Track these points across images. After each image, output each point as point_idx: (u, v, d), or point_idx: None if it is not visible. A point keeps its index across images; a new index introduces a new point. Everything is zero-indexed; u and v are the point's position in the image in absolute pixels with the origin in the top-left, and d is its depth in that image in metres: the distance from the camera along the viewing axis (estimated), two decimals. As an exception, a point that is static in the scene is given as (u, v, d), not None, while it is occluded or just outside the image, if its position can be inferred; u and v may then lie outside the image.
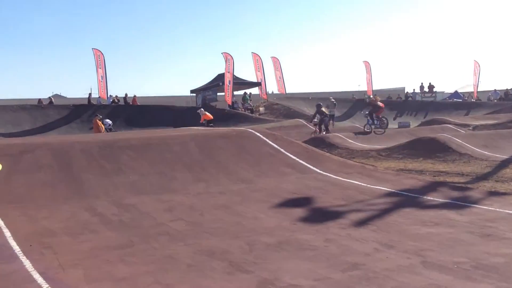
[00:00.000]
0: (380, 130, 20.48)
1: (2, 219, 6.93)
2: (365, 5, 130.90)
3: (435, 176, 10.36)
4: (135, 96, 38.79)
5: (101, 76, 37.41)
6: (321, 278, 4.66)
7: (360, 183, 9.51)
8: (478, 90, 47.20)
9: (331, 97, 30.63)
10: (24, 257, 5.42)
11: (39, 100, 35.93)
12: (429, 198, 8.26)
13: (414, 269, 4.78)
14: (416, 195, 8.43)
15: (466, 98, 47.10)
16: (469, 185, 9.18)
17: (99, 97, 37.26)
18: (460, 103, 44.18)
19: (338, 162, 11.86)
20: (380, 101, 22.73)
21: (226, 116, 32.22)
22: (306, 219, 7.05)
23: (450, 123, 25.08)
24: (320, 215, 7.26)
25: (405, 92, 49.03)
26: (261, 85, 40.94)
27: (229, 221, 6.96)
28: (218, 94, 38.93)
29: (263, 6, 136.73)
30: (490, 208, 7.37)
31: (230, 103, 36.70)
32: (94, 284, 4.65)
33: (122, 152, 10.40)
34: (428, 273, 4.65)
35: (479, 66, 46.69)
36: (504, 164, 11.55)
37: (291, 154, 11.69)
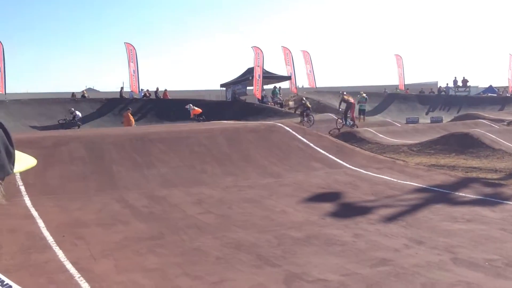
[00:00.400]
0: (354, 126, 21.84)
1: (36, 210, 7.12)
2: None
3: (467, 172, 10.17)
4: (166, 90, 39.17)
5: (133, 70, 37.90)
6: (349, 273, 4.64)
7: (390, 179, 9.41)
8: (514, 84, 46.04)
9: (362, 92, 30.32)
10: (57, 247, 5.55)
11: (73, 94, 36.66)
12: (461, 194, 8.12)
13: (444, 266, 4.71)
14: (447, 191, 8.29)
15: (501, 93, 46.02)
16: (502, 182, 8.98)
17: (131, 91, 37.77)
18: (494, 98, 43.24)
19: (368, 157, 11.74)
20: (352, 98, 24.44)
21: (256, 110, 32.29)
22: (334, 214, 7.02)
23: (484, 118, 24.54)
24: (349, 210, 7.22)
25: (438, 86, 48.16)
26: (291, 79, 40.81)
27: (257, 214, 6.99)
28: (248, 88, 38.96)
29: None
30: (525, 205, 7.20)
31: (260, 97, 36.72)
32: (124, 274, 4.73)
33: (153, 145, 10.53)
34: (458, 270, 4.58)
35: (515, 60, 45.50)
36: (540, 160, 11.25)
37: (320, 148, 11.63)
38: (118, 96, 36.92)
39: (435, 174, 9.80)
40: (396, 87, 44.76)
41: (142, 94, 37.83)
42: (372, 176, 9.72)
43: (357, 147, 13.34)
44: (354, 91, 35.97)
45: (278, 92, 38.97)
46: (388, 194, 8.17)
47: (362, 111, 29.15)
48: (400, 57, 44.39)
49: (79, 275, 4.68)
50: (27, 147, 9.70)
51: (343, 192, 8.39)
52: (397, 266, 4.75)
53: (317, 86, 42.76)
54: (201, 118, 25.58)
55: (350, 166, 10.59)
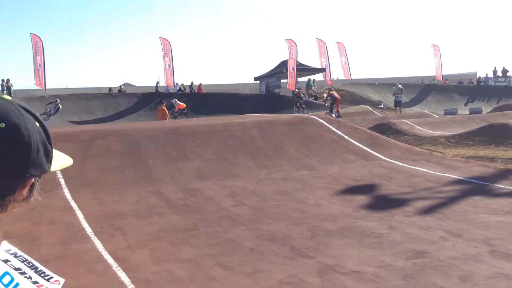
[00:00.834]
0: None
1: (75, 202, 7.30)
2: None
3: (507, 164, 9.89)
4: (200, 84, 39.46)
5: (168, 64, 38.30)
6: (383, 265, 4.59)
7: (427, 171, 9.24)
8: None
9: (398, 83, 29.83)
10: (96, 238, 5.69)
11: (110, 89, 37.35)
12: (500, 186, 7.91)
13: (481, 258, 4.61)
14: (486, 183, 8.09)
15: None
16: (544, 173, 8.71)
17: (166, 85, 38.20)
18: (536, 88, 41.83)
19: (405, 149, 11.56)
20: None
21: (290, 103, 32.15)
22: (369, 206, 6.95)
23: (525, 109, 23.79)
24: (384, 203, 7.13)
25: (477, 77, 46.91)
26: (326, 71, 40.48)
27: (291, 207, 6.98)
28: (282, 81, 38.85)
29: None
30: None
31: (294, 90, 36.56)
32: (159, 265, 4.81)
33: (187, 139, 10.63)
34: (495, 262, 4.48)
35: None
36: None
37: (355, 140, 11.51)
38: (154, 90, 37.39)
39: (473, 165, 9.57)
40: (434, 78, 43.84)
41: (177, 88, 38.19)
42: (408, 168, 9.57)
43: (393, 139, 13.15)
44: (390, 82, 35.51)
45: (312, 84, 38.73)
46: (424, 186, 8.04)
47: (398, 103, 28.70)
48: (437, 47, 43.41)
49: (116, 265, 4.79)
50: (66, 141, 9.95)
51: (378, 185, 8.29)
52: (433, 259, 4.68)
53: (352, 77, 42.29)
54: (185, 111, 27.60)
55: (386, 158, 10.45)
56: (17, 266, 1.12)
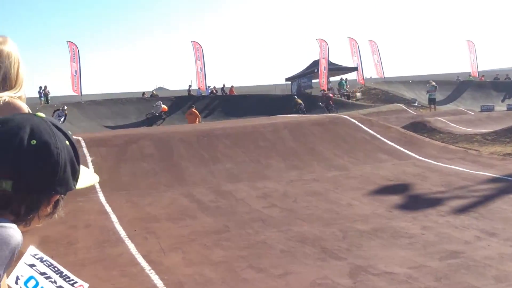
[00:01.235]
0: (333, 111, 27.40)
1: (109, 206, 7.44)
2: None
3: (546, 161, 9.60)
4: (232, 86, 39.65)
5: (200, 68, 38.63)
6: (417, 266, 4.53)
7: (462, 169, 9.06)
8: None
9: (432, 80, 29.33)
10: (129, 241, 5.78)
11: (143, 93, 37.93)
12: (539, 184, 7.69)
13: (518, 258, 4.50)
14: (524, 181, 7.88)
15: None
16: None
17: (198, 88, 38.54)
18: None
19: (439, 147, 11.36)
20: (330, 92, 32.82)
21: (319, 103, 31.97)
22: (402, 206, 6.85)
23: None
24: (417, 202, 7.02)
25: (515, 71, 45.67)
26: (358, 70, 40.12)
27: (322, 208, 6.95)
28: (313, 81, 38.69)
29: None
30: None
31: (326, 90, 36.36)
32: (192, 267, 4.86)
33: (219, 141, 10.71)
34: (533, 263, 4.36)
35: None
36: None
37: (388, 140, 11.37)
38: (186, 94, 37.78)
39: (510, 163, 9.33)
40: (469, 74, 42.89)
41: (209, 91, 38.48)
42: (442, 167, 9.40)
43: (427, 137, 12.93)
44: (424, 80, 34.93)
45: (345, 83, 38.45)
46: (459, 185, 7.88)
47: (432, 100, 28.21)
48: (472, 43, 42.51)
49: (149, 268, 4.87)
50: (100, 146, 10.17)
51: (411, 184, 8.17)
52: (468, 259, 4.59)
53: (385, 76, 41.78)
54: (163, 116, 29.03)
55: (420, 157, 10.29)
56: (42, 271, 1.15)
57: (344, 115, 13.18)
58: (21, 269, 1.11)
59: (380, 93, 35.72)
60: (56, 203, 1.20)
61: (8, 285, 1.09)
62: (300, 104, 30.05)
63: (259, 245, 5.43)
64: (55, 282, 1.15)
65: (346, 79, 39.95)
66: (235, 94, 38.04)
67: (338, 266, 4.68)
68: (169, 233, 6.09)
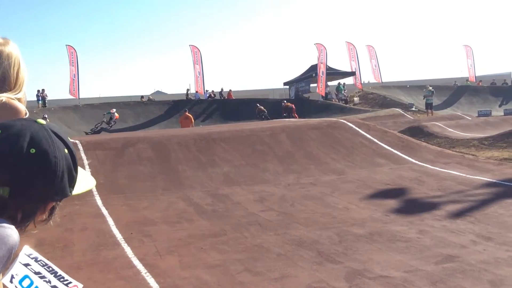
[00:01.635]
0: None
1: (106, 209, 7.44)
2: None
3: (543, 166, 9.63)
4: (230, 90, 39.71)
5: (198, 72, 38.69)
6: (412, 270, 4.54)
7: (458, 173, 9.08)
8: None
9: (429, 85, 29.43)
10: (126, 244, 5.78)
11: (142, 97, 37.97)
12: (535, 189, 7.71)
13: (513, 263, 4.51)
14: (520, 186, 7.90)
15: None
16: None
17: (196, 92, 38.58)
18: None
19: (436, 152, 11.39)
20: (291, 103, 31.66)
21: (319, 108, 32.06)
22: (399, 211, 6.87)
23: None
24: (414, 207, 7.04)
25: (512, 77, 45.83)
26: (356, 75, 40.22)
27: (319, 212, 6.96)
28: (312, 85, 38.78)
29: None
30: None
31: (323, 94, 36.45)
32: (188, 270, 4.86)
33: (216, 145, 10.72)
34: (529, 267, 4.37)
35: None
36: None
37: (385, 144, 11.40)
38: (184, 98, 37.81)
39: (507, 168, 9.36)
40: (466, 79, 43.02)
41: (207, 95, 38.53)
42: (439, 171, 9.42)
43: (424, 142, 12.96)
44: (422, 85, 35.03)
45: (342, 88, 38.53)
46: (455, 190, 7.90)
47: (429, 105, 28.31)
48: (470, 48, 42.66)
49: (145, 271, 4.87)
50: (97, 149, 10.16)
51: (408, 188, 8.19)
52: (464, 263, 4.60)
53: (383, 80, 41.89)
54: (112, 123, 28.50)
55: (416, 162, 10.31)
56: (37, 270, 1.16)
57: (342, 120, 13.21)
58: (16, 268, 1.12)
59: (378, 98, 35.80)
60: (52, 209, 1.21)
61: (3, 284, 1.09)
62: (263, 111, 30.17)
63: (255, 249, 5.44)
64: (49, 281, 1.16)
65: (344, 83, 40.05)
66: (233, 98, 38.08)
67: (334, 269, 4.69)
68: (166, 236, 6.09)
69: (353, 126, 12.28)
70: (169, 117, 32.85)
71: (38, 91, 34.03)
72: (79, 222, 6.71)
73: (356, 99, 36.75)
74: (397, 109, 29.47)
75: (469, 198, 7.31)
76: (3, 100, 1.84)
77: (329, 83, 39.31)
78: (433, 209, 6.75)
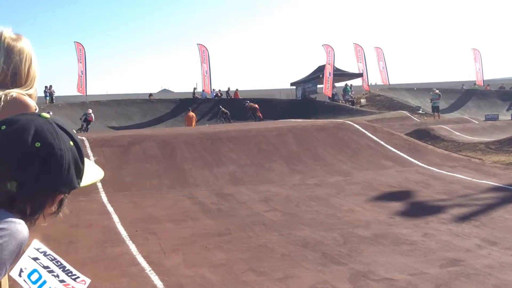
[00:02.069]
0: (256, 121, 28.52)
1: (112, 206, 7.46)
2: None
3: (550, 171, 9.58)
4: (237, 89, 39.72)
5: (205, 70, 38.74)
6: (417, 273, 4.53)
7: (465, 177, 9.05)
8: None
9: (435, 88, 29.34)
10: (130, 241, 5.80)
11: (150, 95, 38.07)
12: (541, 194, 7.67)
13: (518, 268, 4.50)
14: (526, 191, 7.86)
15: None
16: None
17: (203, 91, 38.61)
18: None
19: (442, 155, 11.35)
20: (255, 103, 31.84)
21: (326, 109, 32.02)
22: (404, 213, 6.86)
23: None
24: (419, 209, 7.03)
25: (520, 81, 45.58)
26: (363, 76, 40.14)
27: (324, 213, 6.96)
28: (319, 86, 38.72)
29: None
30: None
31: (330, 95, 36.40)
32: (192, 269, 4.88)
33: (222, 144, 10.73)
34: (534, 273, 4.36)
35: None
36: None
37: (391, 146, 11.38)
38: (191, 96, 37.85)
39: (514, 172, 9.32)
40: (474, 82, 42.84)
41: (214, 94, 38.55)
42: (445, 175, 9.39)
43: (430, 145, 12.92)
44: (429, 88, 34.92)
45: (349, 89, 38.44)
46: (461, 193, 7.88)
47: (435, 108, 28.20)
48: (478, 51, 42.45)
49: (150, 269, 4.88)
50: (104, 146, 10.20)
51: (414, 191, 8.17)
52: (468, 267, 4.59)
53: (390, 83, 41.76)
54: (84, 124, 28.03)
55: (423, 165, 10.29)
56: (45, 264, 1.17)
57: (348, 121, 13.19)
58: (25, 262, 1.13)
59: (385, 100, 35.70)
60: (61, 202, 1.22)
61: (11, 277, 1.11)
62: (226, 113, 31.05)
63: (260, 248, 5.44)
64: (57, 276, 1.17)
65: (351, 85, 39.97)
66: (240, 97, 38.09)
67: (339, 271, 4.69)
68: (171, 234, 6.11)
69: (360, 128, 12.26)
70: (175, 116, 32.91)
71: (46, 87, 34.18)
72: (84, 219, 6.74)
73: (363, 100, 36.67)
74: (404, 111, 29.37)
75: (475, 202, 7.28)
76: (14, 96, 1.85)
77: (336, 84, 39.24)
78: (439, 213, 6.74)
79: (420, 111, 31.52)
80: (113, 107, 33.03)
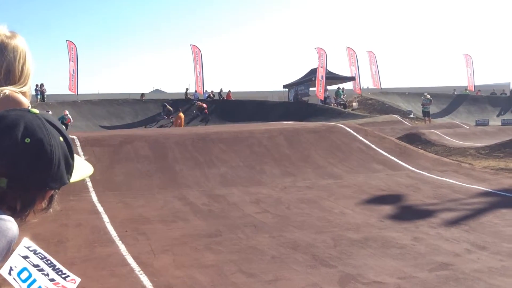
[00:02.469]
0: (204, 121, 31.52)
1: (102, 206, 7.43)
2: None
3: (539, 177, 9.65)
4: (229, 91, 39.69)
5: (198, 71, 38.68)
6: (406, 276, 4.55)
7: (454, 182, 9.11)
8: None
9: (426, 93, 29.51)
10: (120, 241, 5.78)
11: (142, 95, 37.99)
12: (530, 199, 7.73)
13: (506, 272, 4.53)
14: (515, 196, 7.92)
15: None
16: None
17: (195, 91, 38.55)
18: None
19: (433, 159, 11.41)
20: (204, 103, 33.73)
21: (318, 111, 32.08)
22: (394, 217, 6.88)
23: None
24: (409, 213, 7.06)
25: (511, 87, 45.94)
26: (355, 80, 40.28)
27: (315, 215, 6.97)
28: (311, 89, 38.80)
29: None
30: None
31: (322, 98, 36.48)
32: (182, 270, 4.86)
33: (214, 145, 10.72)
34: (521, 277, 4.39)
35: None
36: None
37: (382, 150, 11.42)
38: (183, 97, 37.77)
39: (503, 178, 9.39)
40: (465, 88, 43.14)
41: (207, 95, 38.51)
42: (435, 179, 9.44)
43: (421, 149, 12.99)
44: (420, 92, 35.08)
45: (341, 93, 38.54)
46: (451, 198, 7.92)
47: (426, 113, 28.37)
48: (470, 56, 42.77)
49: (139, 269, 4.86)
50: (95, 145, 10.16)
51: (404, 195, 8.21)
52: (457, 271, 4.61)
53: (382, 86, 41.94)
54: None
55: (413, 169, 10.33)
56: (35, 263, 1.17)
57: (340, 124, 13.23)
58: (15, 260, 1.12)
59: (376, 104, 35.82)
60: (51, 198, 1.21)
61: (1, 275, 1.10)
62: (201, 106, 32.33)
63: (250, 250, 5.44)
64: (47, 274, 1.16)
65: (343, 88, 40.05)
66: (232, 99, 38.09)
67: (328, 273, 4.69)
68: (161, 235, 6.09)
69: (351, 131, 12.30)
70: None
71: (37, 85, 33.95)
72: (74, 218, 6.70)
73: (354, 104, 36.77)
74: (395, 115, 29.48)
75: (465, 206, 7.32)
76: (6, 93, 1.84)
77: (328, 87, 39.34)
78: (429, 217, 6.77)
79: (411, 116, 31.68)
80: (105, 107, 32.87)
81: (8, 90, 1.85)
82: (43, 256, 1.19)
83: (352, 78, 40.29)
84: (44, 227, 5.87)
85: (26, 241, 1.19)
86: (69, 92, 35.43)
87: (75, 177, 1.23)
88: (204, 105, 32.67)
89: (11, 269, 1.10)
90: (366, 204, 7.64)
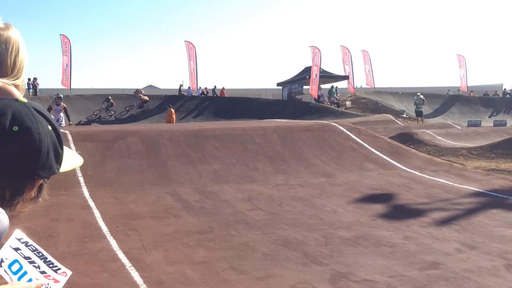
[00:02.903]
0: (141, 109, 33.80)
1: (93, 201, 7.40)
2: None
3: (529, 178, 9.72)
4: (223, 88, 39.67)
5: (192, 68, 38.62)
6: (396, 275, 4.57)
7: (446, 182, 9.15)
8: None
9: (419, 93, 29.64)
10: (111, 237, 5.76)
11: (136, 91, 37.89)
12: (520, 200, 7.79)
13: (496, 272, 4.56)
14: (506, 196, 7.97)
15: None
16: None
17: (189, 88, 38.50)
18: None
19: (425, 159, 11.46)
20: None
21: (312, 110, 32.13)
22: (385, 216, 6.91)
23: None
24: (401, 212, 7.09)
25: (503, 88, 46.24)
26: (349, 79, 40.37)
27: (306, 213, 6.98)
28: (305, 87, 38.86)
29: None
30: None
31: (316, 97, 36.54)
32: (173, 266, 4.86)
33: (207, 142, 10.70)
34: (510, 277, 4.42)
35: None
36: None
37: (375, 149, 11.45)
38: (177, 93, 37.72)
39: (494, 178, 9.45)
40: (458, 88, 43.35)
41: (200, 92, 38.46)
42: (427, 179, 9.48)
43: (413, 149, 13.04)
44: (414, 92, 35.21)
45: (335, 91, 38.63)
46: (443, 198, 7.96)
47: (419, 113, 28.51)
48: (463, 57, 42.96)
49: (130, 265, 4.85)
50: (87, 140, 10.11)
51: (396, 194, 8.24)
52: (447, 270, 4.64)
53: (375, 86, 42.06)
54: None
55: (405, 168, 10.37)
56: (27, 255, 1.16)
57: (333, 123, 13.25)
58: (6, 252, 1.12)
59: (370, 103, 35.94)
60: (40, 187, 1.21)
61: None
62: (145, 101, 33.89)
63: (241, 247, 5.44)
64: (38, 267, 1.16)
65: (336, 87, 40.15)
66: (226, 96, 38.06)
67: (319, 271, 4.71)
68: (152, 231, 6.07)
69: (344, 130, 12.32)
70: (160, 112, 32.75)
71: (29, 79, 33.78)
72: (65, 213, 6.67)
73: (348, 103, 36.87)
74: (388, 115, 29.61)
75: (456, 206, 7.37)
76: None
77: (322, 86, 39.41)
78: (420, 216, 6.80)
79: (404, 115, 31.84)
80: (98, 102, 32.76)
81: (0, 82, 1.83)
82: (34, 248, 1.19)
83: (346, 77, 40.39)
84: (34, 222, 5.84)
85: (17, 233, 1.18)
86: (62, 87, 35.26)
87: (64, 167, 1.22)
88: (147, 98, 34.26)
89: (2, 261, 1.10)
90: (358, 203, 7.66)
